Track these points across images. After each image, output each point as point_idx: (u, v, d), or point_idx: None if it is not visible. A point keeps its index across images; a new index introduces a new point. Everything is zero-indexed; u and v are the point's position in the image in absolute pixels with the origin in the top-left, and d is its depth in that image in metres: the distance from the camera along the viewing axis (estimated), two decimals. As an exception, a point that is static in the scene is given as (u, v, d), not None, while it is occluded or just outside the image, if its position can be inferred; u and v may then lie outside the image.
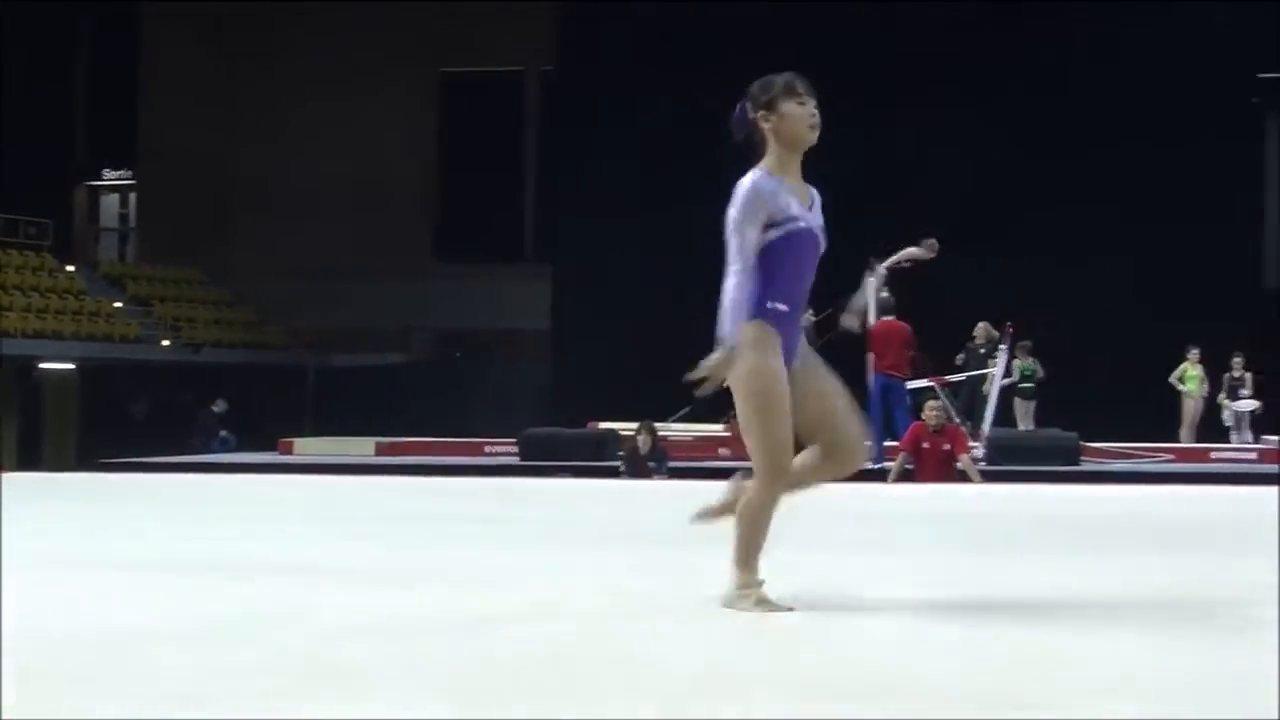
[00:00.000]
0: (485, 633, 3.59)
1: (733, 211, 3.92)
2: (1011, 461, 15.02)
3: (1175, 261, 19.25)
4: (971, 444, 14.46)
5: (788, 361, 3.98)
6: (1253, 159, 20.38)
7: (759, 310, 3.94)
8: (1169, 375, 18.50)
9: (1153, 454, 16.64)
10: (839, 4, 20.37)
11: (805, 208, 3.98)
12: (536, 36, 22.88)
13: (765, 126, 4.00)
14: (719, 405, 11.13)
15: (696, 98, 16.43)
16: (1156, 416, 18.25)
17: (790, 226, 3.95)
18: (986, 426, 16.56)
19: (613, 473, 14.43)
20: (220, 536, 6.10)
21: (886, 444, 14.54)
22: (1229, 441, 18.10)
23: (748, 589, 3.90)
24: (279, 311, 24.39)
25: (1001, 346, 17.20)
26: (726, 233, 3.95)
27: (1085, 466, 15.43)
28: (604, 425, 17.38)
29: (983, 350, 17.32)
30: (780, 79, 4.05)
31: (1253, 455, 16.59)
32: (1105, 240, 19.57)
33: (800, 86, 4.05)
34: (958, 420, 15.06)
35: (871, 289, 15.23)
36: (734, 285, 3.88)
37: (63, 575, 4.56)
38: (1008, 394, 17.74)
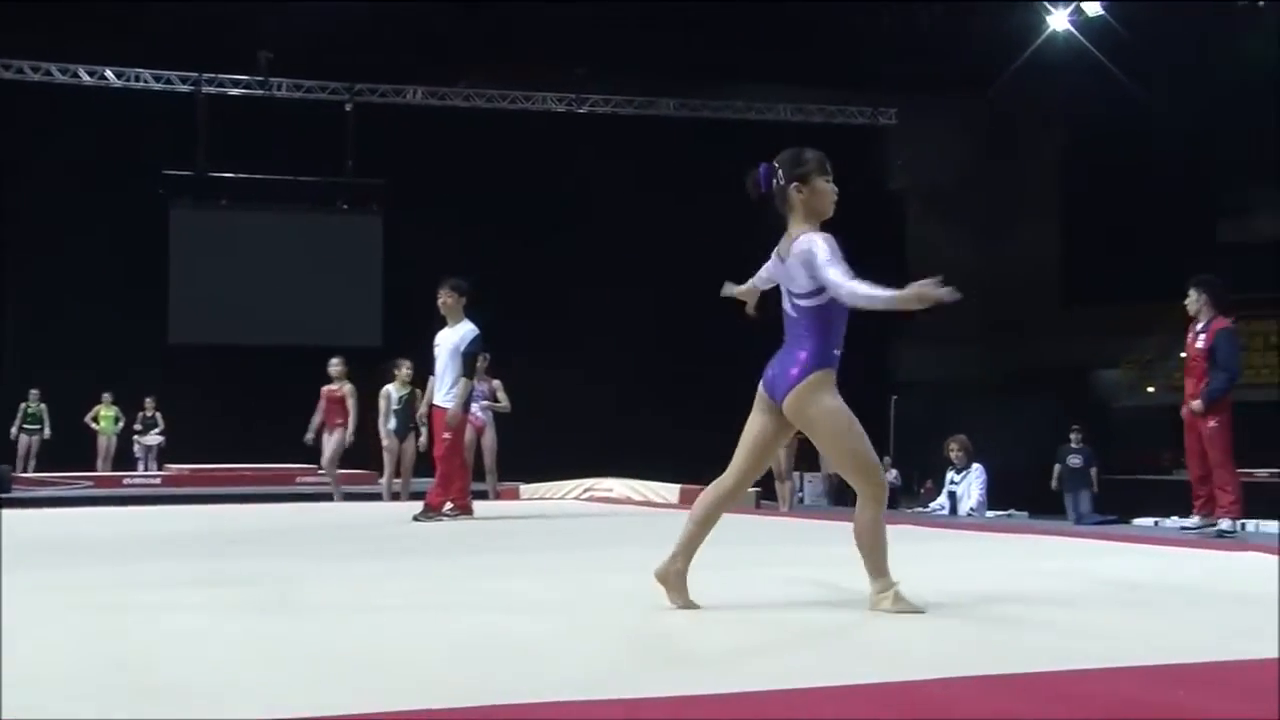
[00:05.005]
0: None
1: (823, 253, 3.81)
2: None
3: (89, 322, 19.50)
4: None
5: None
6: (160, 236, 20.69)
7: (827, 359, 3.91)
8: (85, 416, 18.88)
9: (76, 481, 17.21)
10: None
11: None
12: None
13: (798, 197, 3.94)
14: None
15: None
16: (80, 450, 18.60)
17: None
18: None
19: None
20: None
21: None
22: (139, 470, 18.78)
23: (886, 591, 3.96)
24: None
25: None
26: (818, 269, 3.82)
27: (17, 493, 15.49)
28: None
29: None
30: (813, 155, 4.00)
31: (157, 481, 17.76)
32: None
33: (829, 165, 4.01)
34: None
35: None
36: (860, 287, 3.75)
37: None
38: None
